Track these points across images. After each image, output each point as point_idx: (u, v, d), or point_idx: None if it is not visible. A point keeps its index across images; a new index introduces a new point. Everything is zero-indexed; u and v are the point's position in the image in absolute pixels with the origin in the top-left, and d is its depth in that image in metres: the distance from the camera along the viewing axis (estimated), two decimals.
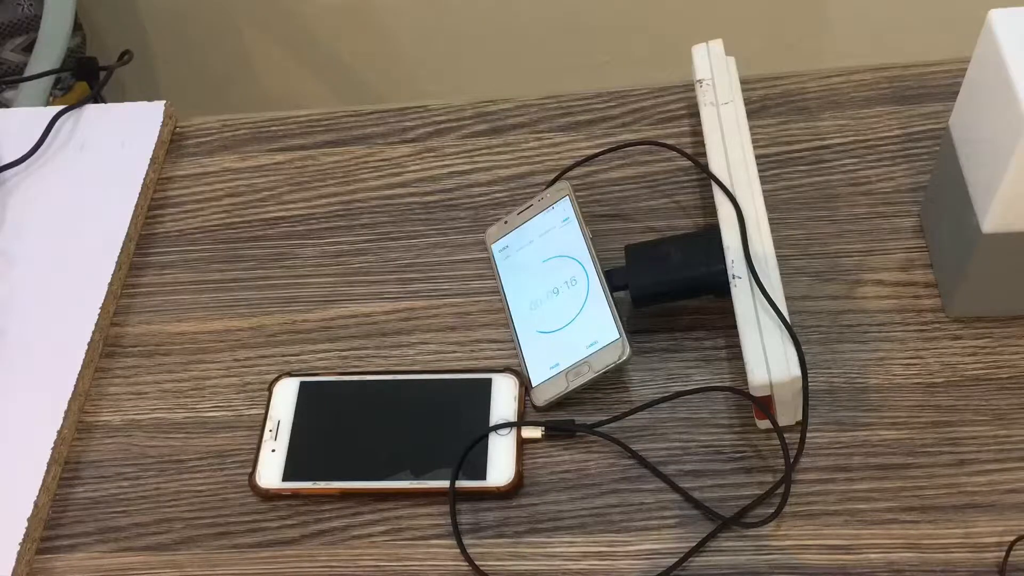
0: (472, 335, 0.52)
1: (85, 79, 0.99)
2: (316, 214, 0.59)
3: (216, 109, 0.67)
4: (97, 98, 0.66)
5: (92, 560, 0.47)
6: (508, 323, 0.51)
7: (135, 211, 0.59)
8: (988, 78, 0.44)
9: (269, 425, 0.48)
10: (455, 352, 0.52)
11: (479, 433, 0.47)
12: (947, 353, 0.48)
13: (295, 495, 0.47)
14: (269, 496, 0.47)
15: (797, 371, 0.43)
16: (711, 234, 0.49)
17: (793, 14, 1.09)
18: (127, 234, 0.57)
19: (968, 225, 0.46)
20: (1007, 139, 0.42)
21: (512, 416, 0.47)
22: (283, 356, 0.53)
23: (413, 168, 0.60)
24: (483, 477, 0.46)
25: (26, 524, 0.47)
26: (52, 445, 0.49)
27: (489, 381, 0.49)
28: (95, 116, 0.64)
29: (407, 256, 0.56)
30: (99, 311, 0.54)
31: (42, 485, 0.48)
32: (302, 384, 0.50)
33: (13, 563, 0.46)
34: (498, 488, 0.45)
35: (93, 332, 0.53)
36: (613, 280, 0.49)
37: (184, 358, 0.53)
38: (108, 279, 0.55)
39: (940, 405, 0.47)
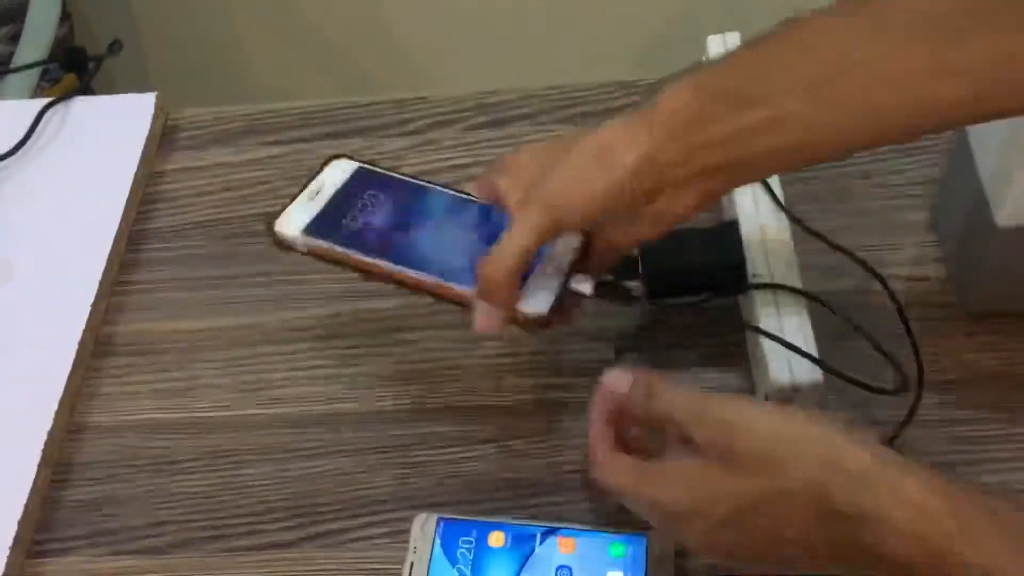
0: (474, 332, 0.51)
1: (73, 70, 0.97)
2: None
3: (209, 101, 0.66)
4: (86, 90, 0.65)
5: (84, 564, 0.46)
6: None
7: (126, 206, 0.58)
8: None
9: (314, 185, 0.44)
10: (456, 350, 0.51)
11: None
12: (961, 350, 0.48)
13: (310, 252, 0.42)
14: (283, 246, 0.42)
15: (820, 376, 0.42)
16: (729, 228, 0.48)
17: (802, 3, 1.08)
18: (118, 230, 0.57)
19: (982, 218, 0.45)
20: (1022, 130, 0.41)
21: (567, 263, 0.42)
22: (279, 354, 0.52)
23: (412, 161, 0.59)
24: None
25: (16, 527, 0.46)
26: (42, 446, 0.48)
27: None
28: (84, 108, 0.63)
29: None
30: (90, 309, 0.53)
31: (32, 487, 0.47)
32: (359, 168, 0.45)
33: (3, 567, 0.45)
34: (527, 313, 0.40)
35: (84, 331, 0.52)
36: (626, 270, 0.47)
37: (178, 357, 0.52)
38: (99, 277, 0.55)
39: (954, 403, 0.46)
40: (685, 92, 0.37)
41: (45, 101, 0.62)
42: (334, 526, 0.46)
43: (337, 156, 0.45)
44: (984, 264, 0.46)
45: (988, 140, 0.45)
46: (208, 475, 0.48)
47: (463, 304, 0.41)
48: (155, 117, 0.62)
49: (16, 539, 0.46)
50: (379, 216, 0.43)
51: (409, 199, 0.44)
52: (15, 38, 0.98)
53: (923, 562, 0.31)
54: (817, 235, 0.50)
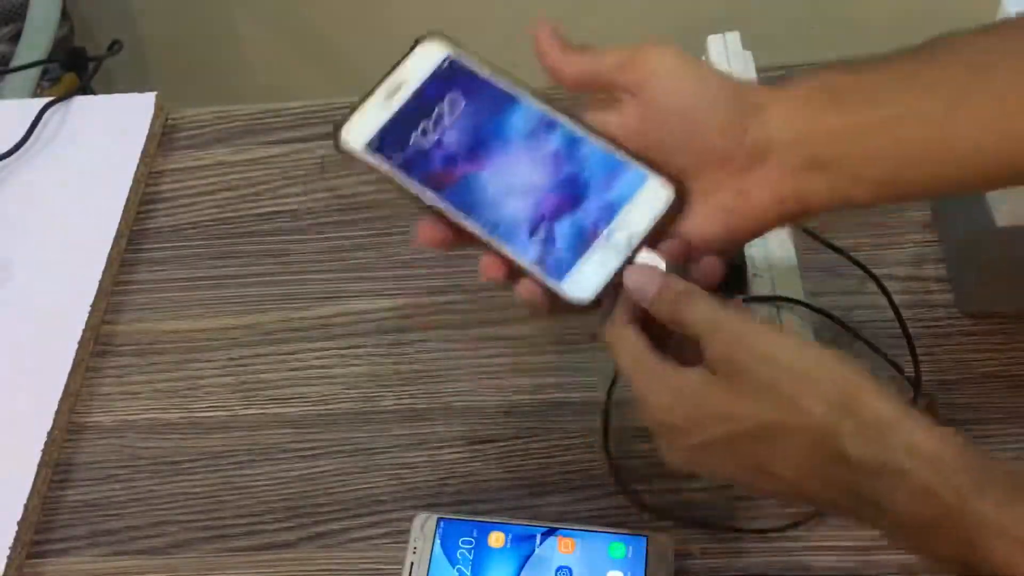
0: (474, 332, 0.51)
1: (73, 70, 0.97)
2: (313, 208, 0.58)
3: (209, 100, 0.66)
4: (86, 89, 0.65)
5: (84, 564, 0.46)
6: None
7: (126, 206, 0.58)
8: None
9: (389, 82, 0.38)
10: (456, 350, 0.51)
11: (592, 222, 0.36)
12: (960, 350, 0.48)
13: (372, 171, 0.37)
14: (346, 156, 0.37)
15: None
16: None
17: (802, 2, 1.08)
18: (118, 230, 0.57)
19: (982, 218, 0.45)
20: None
21: (640, 232, 0.35)
22: (279, 355, 0.52)
23: None
24: (559, 276, 0.35)
25: (16, 528, 0.46)
26: (42, 447, 0.48)
27: (643, 178, 0.36)
28: (84, 108, 0.63)
29: (406, 251, 0.55)
30: (89, 309, 0.53)
31: (32, 488, 0.47)
32: (448, 59, 0.39)
33: (3, 568, 0.45)
34: (568, 299, 0.35)
35: (84, 330, 0.52)
36: None
37: (177, 357, 0.52)
38: (99, 276, 0.55)
39: (953, 403, 0.46)
40: (813, 81, 0.35)
41: (45, 101, 0.62)
42: (334, 526, 0.46)
43: (430, 35, 0.39)
44: (983, 264, 0.46)
45: None
46: (208, 475, 0.48)
47: (511, 267, 0.36)
48: (155, 117, 0.62)
49: (16, 540, 0.46)
50: (451, 135, 0.37)
51: (491, 112, 0.38)
52: (15, 38, 0.98)
53: (934, 517, 0.29)
54: (812, 235, 0.50)
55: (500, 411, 0.49)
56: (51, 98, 0.62)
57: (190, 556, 0.46)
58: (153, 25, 1.22)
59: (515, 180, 0.37)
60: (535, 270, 0.35)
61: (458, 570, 0.42)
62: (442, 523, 0.43)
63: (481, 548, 0.43)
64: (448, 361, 0.50)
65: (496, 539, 0.43)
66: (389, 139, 0.37)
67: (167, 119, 0.63)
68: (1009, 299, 0.48)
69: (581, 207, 0.36)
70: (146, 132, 0.61)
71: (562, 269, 0.35)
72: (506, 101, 0.38)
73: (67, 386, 0.51)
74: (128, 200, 0.58)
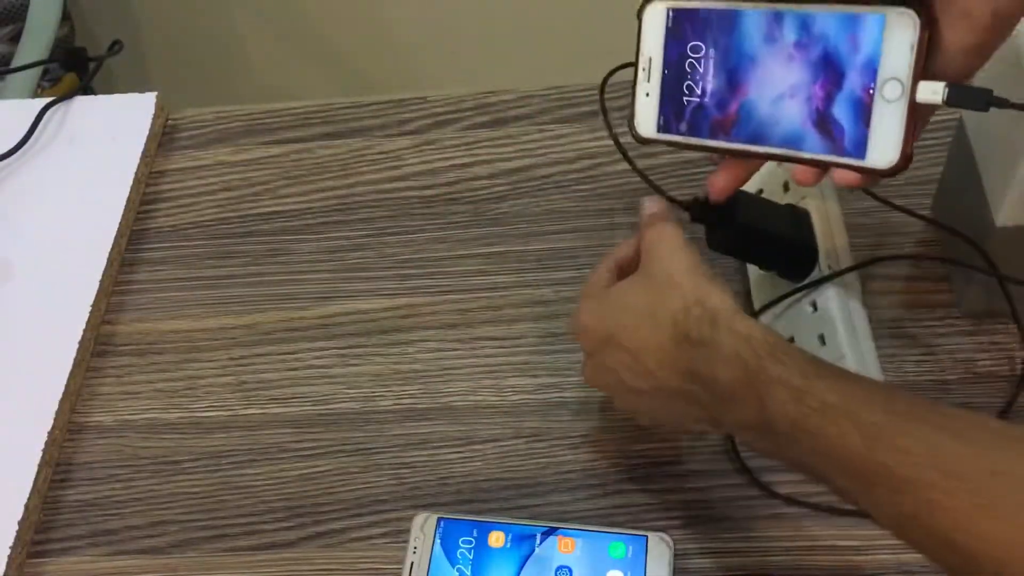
0: (473, 332, 0.51)
1: (74, 70, 0.98)
2: (312, 208, 0.58)
3: (209, 100, 0.66)
4: (87, 89, 0.65)
5: (84, 564, 0.46)
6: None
7: (126, 206, 0.58)
8: (1003, 67, 0.43)
9: (642, 63, 0.41)
10: (456, 350, 0.51)
11: (861, 88, 0.36)
12: (960, 350, 0.48)
13: (669, 145, 0.41)
14: (645, 143, 0.41)
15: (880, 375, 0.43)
16: (803, 214, 0.47)
17: None
18: (118, 229, 0.57)
19: (981, 218, 0.45)
20: (1022, 130, 0.41)
21: (906, 69, 0.35)
22: (279, 354, 0.52)
23: (412, 161, 0.59)
24: (861, 154, 0.36)
25: (17, 528, 0.46)
26: (43, 447, 0.48)
27: (881, 19, 0.35)
28: (85, 108, 0.63)
29: (406, 251, 0.55)
30: (90, 309, 0.53)
31: (33, 488, 0.47)
32: (671, 14, 0.40)
33: (4, 567, 0.45)
34: (879, 170, 0.36)
35: (84, 330, 0.52)
36: (721, 217, 0.45)
37: (177, 357, 0.52)
38: (99, 276, 0.55)
39: (953, 402, 0.46)
40: None
41: (45, 101, 0.62)
42: (334, 526, 0.46)
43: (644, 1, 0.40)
44: (984, 264, 0.46)
45: (988, 140, 0.45)
46: (208, 475, 0.48)
47: (816, 166, 0.38)
48: (155, 117, 0.62)
49: (16, 539, 0.46)
50: (710, 81, 0.39)
51: (727, 38, 0.39)
52: (15, 38, 0.98)
53: (741, 380, 0.36)
54: (903, 209, 0.49)
55: (500, 411, 0.49)
56: (51, 98, 0.62)
57: (190, 556, 0.46)
58: (153, 25, 1.22)
59: (779, 87, 0.38)
60: (838, 160, 0.37)
61: (458, 570, 0.42)
62: (442, 523, 0.43)
63: (481, 548, 0.43)
64: (448, 361, 0.51)
65: (496, 539, 0.43)
66: (669, 114, 0.41)
67: (167, 119, 0.63)
68: (1009, 299, 0.48)
69: (845, 79, 0.37)
70: (146, 132, 0.61)
71: (860, 145, 0.36)
72: (733, 20, 0.39)
73: (67, 386, 0.51)
74: (128, 200, 0.58)
